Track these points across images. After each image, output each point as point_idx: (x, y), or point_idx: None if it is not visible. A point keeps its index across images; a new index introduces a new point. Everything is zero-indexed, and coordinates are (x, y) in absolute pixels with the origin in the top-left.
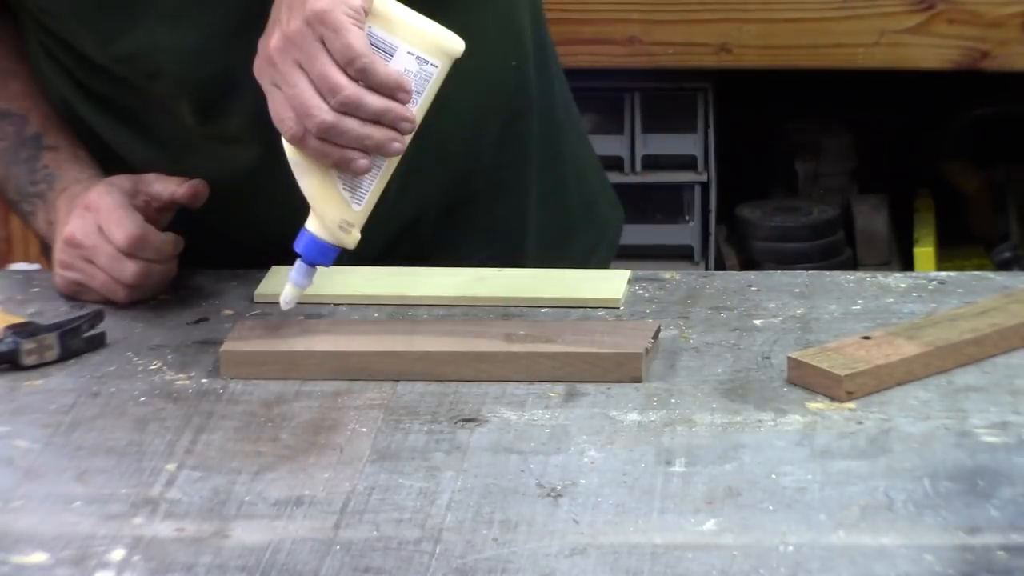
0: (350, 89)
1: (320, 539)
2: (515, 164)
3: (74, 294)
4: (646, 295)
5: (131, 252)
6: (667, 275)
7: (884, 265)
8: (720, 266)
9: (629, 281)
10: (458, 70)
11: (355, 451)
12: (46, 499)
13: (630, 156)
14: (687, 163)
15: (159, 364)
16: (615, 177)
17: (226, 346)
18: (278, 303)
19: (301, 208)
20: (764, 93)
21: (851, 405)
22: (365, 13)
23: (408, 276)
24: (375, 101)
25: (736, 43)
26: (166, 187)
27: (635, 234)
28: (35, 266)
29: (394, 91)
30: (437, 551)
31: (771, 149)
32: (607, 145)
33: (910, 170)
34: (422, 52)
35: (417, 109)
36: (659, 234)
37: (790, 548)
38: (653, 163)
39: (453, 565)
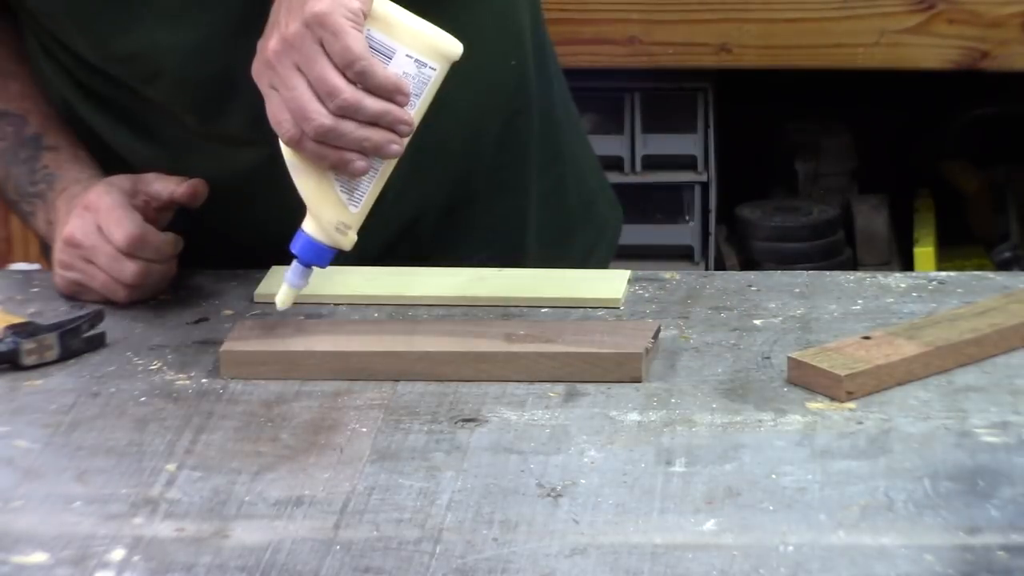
0: (348, 92)
1: (320, 539)
2: (515, 164)
3: (74, 294)
4: (646, 295)
5: (131, 252)
6: (667, 275)
7: (884, 265)
8: (720, 266)
9: (629, 281)
10: (457, 70)
11: (355, 451)
12: (46, 499)
13: (630, 156)
14: (687, 163)
15: (159, 364)
16: (615, 177)
17: (226, 346)
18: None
19: (301, 208)
20: (764, 93)
21: (851, 405)
22: (364, 16)
23: (408, 276)
24: (373, 104)
25: (736, 43)
26: (165, 187)
27: (635, 234)
28: (35, 266)
29: (392, 94)
30: (437, 551)
31: (771, 149)
32: (607, 145)
33: (910, 170)
34: (421, 55)
35: (415, 112)
36: (659, 234)
37: (790, 548)
38: (653, 163)
39: (453, 565)
